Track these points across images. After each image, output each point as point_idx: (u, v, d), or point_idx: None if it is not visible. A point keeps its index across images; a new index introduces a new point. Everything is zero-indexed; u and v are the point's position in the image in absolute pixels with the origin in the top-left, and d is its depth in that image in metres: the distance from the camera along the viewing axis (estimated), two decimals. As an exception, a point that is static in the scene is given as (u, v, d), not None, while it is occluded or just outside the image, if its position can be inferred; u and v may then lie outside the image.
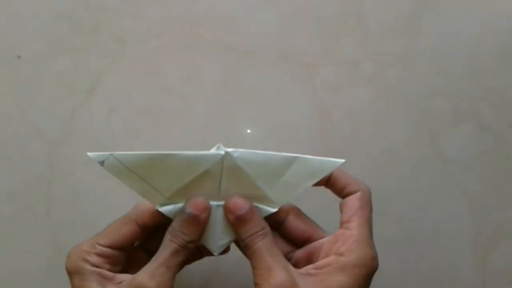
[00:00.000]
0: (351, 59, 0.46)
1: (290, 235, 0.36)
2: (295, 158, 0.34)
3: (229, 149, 0.33)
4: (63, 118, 0.45)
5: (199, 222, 0.33)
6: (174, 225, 0.33)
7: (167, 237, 0.33)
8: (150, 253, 0.36)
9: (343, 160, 0.35)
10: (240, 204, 0.33)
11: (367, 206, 0.35)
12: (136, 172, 0.33)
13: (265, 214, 0.34)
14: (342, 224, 0.34)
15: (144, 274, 0.32)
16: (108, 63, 0.45)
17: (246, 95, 0.46)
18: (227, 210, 0.33)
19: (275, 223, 0.35)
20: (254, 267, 0.32)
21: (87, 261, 0.33)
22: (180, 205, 0.34)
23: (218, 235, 0.34)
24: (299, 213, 0.36)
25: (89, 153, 0.33)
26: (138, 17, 0.46)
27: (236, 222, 0.33)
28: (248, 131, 0.45)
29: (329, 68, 0.46)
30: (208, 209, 0.33)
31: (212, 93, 0.45)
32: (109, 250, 0.34)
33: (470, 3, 0.46)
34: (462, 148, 0.46)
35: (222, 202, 0.34)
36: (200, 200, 0.33)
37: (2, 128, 0.45)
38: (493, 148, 0.46)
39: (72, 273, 0.34)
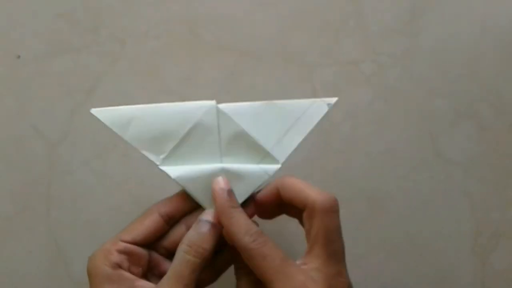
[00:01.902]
0: (351, 59, 0.46)
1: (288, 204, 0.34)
2: (275, 103, 0.34)
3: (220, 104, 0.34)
4: (63, 118, 0.45)
5: (215, 231, 0.33)
6: (189, 236, 0.33)
7: (181, 250, 0.32)
8: (170, 254, 0.35)
9: (335, 99, 0.35)
10: (226, 182, 0.33)
11: (323, 229, 0.31)
12: (123, 130, 0.34)
13: (271, 172, 0.34)
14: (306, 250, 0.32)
15: None
16: (108, 63, 0.45)
17: (246, 95, 0.46)
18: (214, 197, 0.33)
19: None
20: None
21: (108, 260, 0.32)
22: (187, 167, 0.34)
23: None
24: (285, 183, 0.34)
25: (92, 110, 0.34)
26: (138, 17, 0.46)
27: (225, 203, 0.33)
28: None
29: (329, 68, 0.46)
30: (221, 224, 0.33)
31: (212, 93, 0.45)
32: (132, 247, 0.33)
33: (470, 3, 0.46)
34: (462, 148, 0.46)
35: (225, 165, 0.34)
36: (214, 212, 0.33)
37: (2, 128, 0.45)
38: (493, 148, 0.46)
39: (90, 275, 0.33)
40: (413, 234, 0.45)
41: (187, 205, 0.35)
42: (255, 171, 0.34)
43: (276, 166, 0.34)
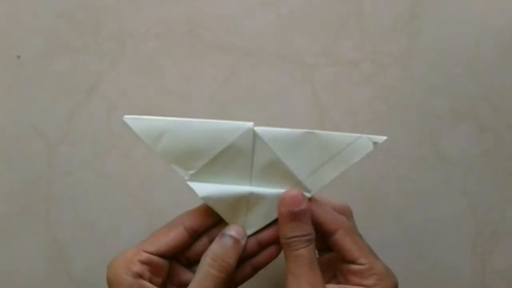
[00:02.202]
0: (351, 59, 0.46)
1: (334, 250, 0.34)
2: (316, 133, 0.33)
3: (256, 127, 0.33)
4: (63, 118, 0.45)
5: (238, 247, 0.33)
6: (213, 249, 0.33)
7: (205, 264, 0.32)
8: (190, 264, 0.35)
9: (384, 138, 0.34)
10: (298, 200, 0.32)
11: (357, 238, 0.34)
12: (154, 142, 0.33)
13: None
14: (351, 262, 0.33)
15: None
16: (108, 63, 0.45)
17: (246, 95, 0.46)
18: (282, 202, 0.32)
19: (323, 233, 0.34)
20: (291, 272, 0.31)
21: (129, 270, 0.32)
22: (214, 185, 0.33)
23: (244, 221, 0.34)
24: (349, 230, 0.34)
25: (125, 116, 0.33)
26: (138, 17, 0.46)
27: (287, 217, 0.32)
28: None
29: (329, 68, 0.46)
30: (245, 238, 0.33)
31: (211, 93, 0.45)
32: (154, 258, 0.32)
33: (470, 3, 0.46)
34: (462, 148, 0.46)
35: (254, 189, 0.33)
36: (239, 228, 0.33)
37: (2, 128, 0.45)
38: (493, 148, 0.46)
39: (111, 284, 0.32)
40: (413, 234, 0.45)
41: (212, 220, 0.34)
42: None
43: (306, 195, 0.33)
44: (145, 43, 0.45)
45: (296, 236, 0.32)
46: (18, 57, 0.45)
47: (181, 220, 0.34)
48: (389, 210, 0.45)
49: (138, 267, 0.32)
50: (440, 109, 0.46)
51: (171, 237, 0.33)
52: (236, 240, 0.33)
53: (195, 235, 0.34)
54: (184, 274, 0.35)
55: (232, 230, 0.33)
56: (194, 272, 0.33)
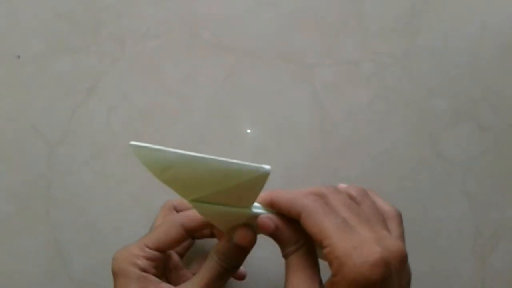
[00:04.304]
0: (351, 59, 0.46)
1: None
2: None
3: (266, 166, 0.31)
4: (63, 118, 0.45)
5: (245, 251, 0.34)
6: (220, 248, 0.34)
7: (214, 258, 0.34)
8: (181, 256, 0.39)
9: (267, 168, 0.31)
10: (266, 225, 0.32)
11: (321, 218, 0.30)
12: (160, 173, 0.31)
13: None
14: (321, 246, 0.31)
15: None
16: (108, 63, 0.45)
17: (246, 95, 0.46)
18: (259, 227, 0.33)
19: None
20: (286, 277, 0.32)
21: (135, 264, 0.34)
22: (216, 206, 0.32)
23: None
24: (311, 213, 0.32)
25: (131, 143, 0.31)
26: (138, 17, 0.46)
27: (271, 236, 0.33)
28: (248, 131, 0.45)
29: (329, 68, 0.46)
30: (254, 242, 0.34)
31: (212, 93, 0.45)
32: (157, 254, 0.35)
33: (470, 3, 0.46)
34: (462, 148, 0.46)
35: (254, 210, 0.33)
36: (248, 233, 0.33)
37: (2, 128, 0.45)
38: (493, 148, 0.46)
39: (118, 275, 0.34)
40: (413, 234, 0.45)
41: (212, 224, 0.36)
42: None
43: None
44: (145, 43, 0.45)
45: (284, 247, 0.32)
46: (18, 57, 0.45)
47: (181, 220, 0.36)
48: (389, 210, 0.45)
49: (143, 263, 0.34)
50: (440, 109, 0.46)
51: (172, 237, 0.35)
52: (242, 247, 0.34)
53: (192, 235, 0.37)
54: (180, 265, 0.38)
55: (238, 238, 0.34)
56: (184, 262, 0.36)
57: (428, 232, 0.45)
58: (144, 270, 0.34)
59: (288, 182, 0.45)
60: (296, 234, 0.32)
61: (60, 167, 0.44)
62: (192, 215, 0.36)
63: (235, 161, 0.30)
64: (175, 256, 0.38)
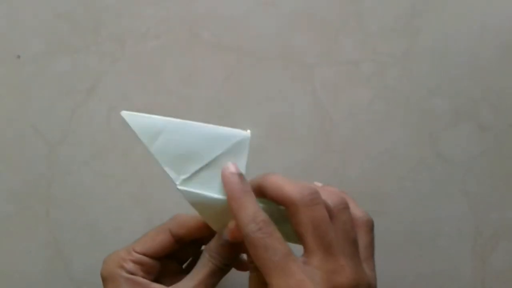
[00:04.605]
0: (351, 59, 0.46)
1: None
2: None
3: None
4: (63, 118, 0.45)
5: (237, 248, 0.34)
6: (212, 246, 0.34)
7: (206, 256, 0.34)
8: (181, 262, 0.38)
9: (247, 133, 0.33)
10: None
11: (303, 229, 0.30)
12: (151, 140, 0.33)
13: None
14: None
15: None
16: (108, 63, 0.45)
17: (246, 95, 0.46)
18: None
19: None
20: None
21: (123, 267, 0.34)
22: (204, 194, 0.32)
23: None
24: (265, 182, 0.32)
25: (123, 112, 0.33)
26: (138, 17, 0.46)
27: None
28: (248, 131, 0.45)
29: (329, 68, 0.46)
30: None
31: (212, 93, 0.45)
32: (144, 258, 0.34)
33: (470, 3, 0.46)
34: (462, 148, 0.46)
35: None
36: (237, 229, 0.32)
37: (2, 128, 0.45)
38: (493, 148, 0.46)
39: (106, 279, 0.34)
40: (413, 234, 0.45)
41: (200, 233, 0.36)
42: None
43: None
44: (145, 43, 0.45)
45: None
46: (18, 57, 0.45)
47: (169, 225, 0.35)
48: (389, 210, 0.45)
49: (130, 266, 0.34)
50: (440, 109, 0.46)
51: (158, 242, 0.35)
52: (232, 244, 0.33)
53: (181, 242, 0.36)
54: (176, 268, 0.37)
55: (228, 235, 0.33)
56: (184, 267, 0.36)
57: (428, 232, 0.45)
58: (131, 273, 0.34)
59: (288, 182, 0.45)
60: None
61: (60, 167, 0.44)
62: (182, 221, 0.35)
63: (219, 126, 0.32)
64: (174, 264, 0.37)
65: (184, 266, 0.39)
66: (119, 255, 0.34)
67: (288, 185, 0.31)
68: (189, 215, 0.36)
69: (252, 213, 0.30)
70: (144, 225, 0.44)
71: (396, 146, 0.45)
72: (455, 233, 0.45)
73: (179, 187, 0.33)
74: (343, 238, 0.30)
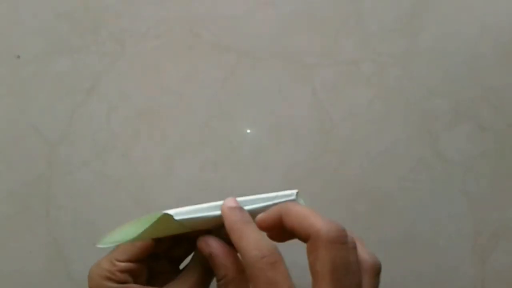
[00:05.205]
0: (351, 59, 0.46)
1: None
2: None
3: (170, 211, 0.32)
4: (63, 118, 0.45)
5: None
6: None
7: (196, 259, 0.33)
8: (171, 259, 0.36)
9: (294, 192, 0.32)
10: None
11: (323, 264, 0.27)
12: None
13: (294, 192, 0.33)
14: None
15: None
16: (108, 63, 0.45)
17: (246, 95, 0.46)
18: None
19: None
20: None
21: (110, 279, 0.33)
22: (188, 208, 0.32)
23: None
24: (289, 210, 0.31)
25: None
26: (138, 17, 0.46)
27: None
28: (248, 131, 0.45)
29: (329, 68, 0.46)
30: (208, 243, 0.32)
31: (211, 93, 0.45)
32: (130, 264, 0.34)
33: (470, 3, 0.46)
34: (462, 148, 0.46)
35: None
36: (201, 241, 0.32)
37: (2, 128, 0.45)
38: (493, 148, 0.46)
39: None
40: (413, 234, 0.45)
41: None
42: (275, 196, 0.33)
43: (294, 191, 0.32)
44: (145, 43, 0.45)
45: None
46: (18, 57, 0.45)
47: None
48: (389, 210, 0.45)
49: (119, 276, 0.33)
50: (440, 109, 0.46)
51: (139, 246, 0.34)
52: (215, 255, 0.32)
53: (164, 240, 0.35)
54: (167, 268, 0.36)
55: (212, 248, 0.32)
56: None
57: (428, 232, 0.45)
58: (121, 282, 0.33)
59: (288, 182, 0.45)
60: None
61: (60, 167, 0.44)
62: None
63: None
64: (162, 260, 0.36)
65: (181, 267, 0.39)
66: (102, 267, 0.33)
67: (314, 216, 0.28)
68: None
69: (255, 241, 0.29)
70: (144, 225, 0.44)
71: (396, 146, 0.45)
72: (455, 233, 0.45)
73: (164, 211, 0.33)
74: (357, 283, 0.28)
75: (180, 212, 0.32)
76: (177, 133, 0.45)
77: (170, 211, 0.32)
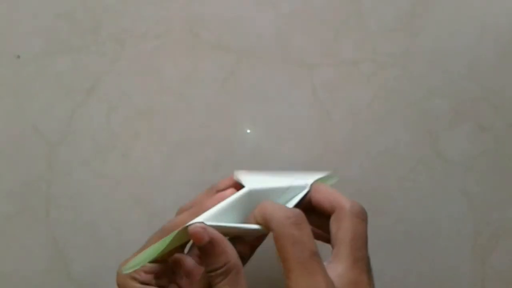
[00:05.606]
0: (351, 59, 0.46)
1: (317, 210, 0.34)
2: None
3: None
4: (63, 118, 0.45)
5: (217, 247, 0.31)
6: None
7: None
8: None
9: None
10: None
11: (349, 233, 0.31)
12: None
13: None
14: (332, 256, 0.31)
15: None
16: (108, 63, 0.45)
17: (246, 95, 0.46)
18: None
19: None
20: None
21: (135, 279, 0.34)
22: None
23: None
24: (318, 188, 0.34)
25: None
26: (138, 17, 0.46)
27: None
28: (248, 131, 0.45)
29: (329, 68, 0.46)
30: (207, 230, 0.30)
31: (211, 93, 0.45)
32: (154, 265, 0.34)
33: (470, 3, 0.46)
34: (462, 148, 0.46)
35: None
36: (198, 228, 0.30)
37: (2, 128, 0.45)
38: (493, 148, 0.46)
39: None
40: (413, 234, 0.45)
41: None
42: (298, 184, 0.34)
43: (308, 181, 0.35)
44: (145, 43, 0.45)
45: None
46: (18, 57, 0.45)
47: (171, 228, 0.34)
48: (389, 210, 0.45)
49: (143, 277, 0.34)
50: (440, 109, 0.46)
51: None
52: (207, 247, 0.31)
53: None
54: (188, 262, 0.35)
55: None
56: None
57: (428, 232, 0.45)
58: (144, 283, 0.34)
59: (288, 182, 0.45)
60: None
61: (60, 167, 0.44)
62: (183, 221, 0.33)
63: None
64: (188, 261, 0.35)
65: None
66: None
67: (340, 194, 0.33)
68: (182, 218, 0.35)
69: (280, 206, 0.31)
70: (144, 225, 0.44)
71: (396, 146, 0.45)
72: (455, 233, 0.45)
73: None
74: (368, 258, 0.32)
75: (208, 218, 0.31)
76: (177, 133, 0.45)
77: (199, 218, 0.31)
